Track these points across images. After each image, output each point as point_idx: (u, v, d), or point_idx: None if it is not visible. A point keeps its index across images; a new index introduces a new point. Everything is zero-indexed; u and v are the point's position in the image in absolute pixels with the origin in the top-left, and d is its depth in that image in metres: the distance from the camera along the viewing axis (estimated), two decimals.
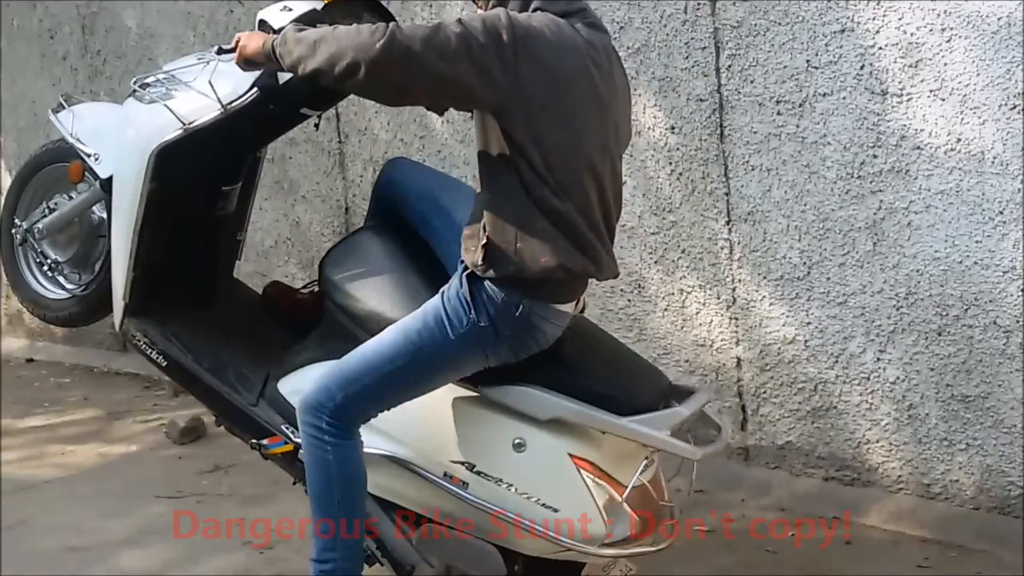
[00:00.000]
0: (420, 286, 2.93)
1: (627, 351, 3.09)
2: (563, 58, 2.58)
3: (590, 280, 2.80)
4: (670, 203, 4.15)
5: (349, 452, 2.80)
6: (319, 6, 2.93)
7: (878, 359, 3.82)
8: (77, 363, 6.35)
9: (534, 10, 2.62)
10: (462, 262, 2.70)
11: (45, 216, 3.48)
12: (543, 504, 2.80)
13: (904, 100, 3.60)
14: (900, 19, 3.57)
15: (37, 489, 4.61)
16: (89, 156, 3.27)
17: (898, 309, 3.75)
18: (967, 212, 3.56)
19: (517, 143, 2.56)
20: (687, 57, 4.01)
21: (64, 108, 3.41)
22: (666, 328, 4.25)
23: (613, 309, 4.34)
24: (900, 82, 3.60)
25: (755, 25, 3.84)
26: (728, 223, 4.03)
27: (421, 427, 2.91)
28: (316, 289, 3.27)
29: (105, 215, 3.35)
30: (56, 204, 3.47)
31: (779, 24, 3.79)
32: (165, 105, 3.05)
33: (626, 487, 2.78)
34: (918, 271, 3.68)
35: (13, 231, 3.55)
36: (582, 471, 2.78)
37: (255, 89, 2.96)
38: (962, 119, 3.51)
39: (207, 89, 2.95)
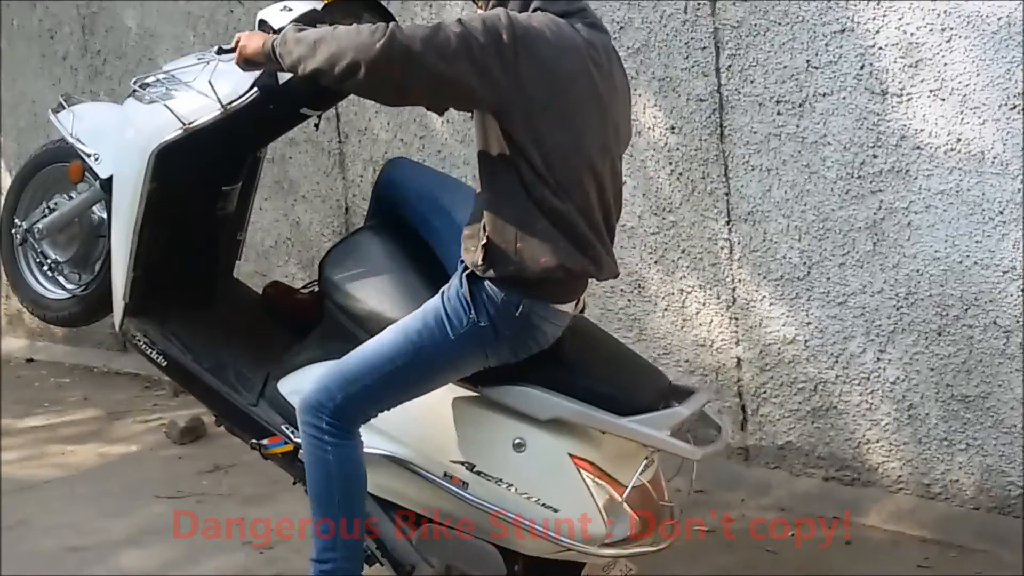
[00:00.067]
0: (420, 286, 2.93)
1: (627, 351, 3.09)
2: (563, 58, 2.58)
3: (590, 280, 2.80)
4: (670, 203, 4.15)
5: (349, 452, 2.80)
6: (319, 6, 2.93)
7: (878, 359, 3.82)
8: (77, 363, 6.36)
9: (534, 10, 2.62)
10: (462, 262, 2.70)
11: (45, 216, 3.48)
12: (543, 504, 2.80)
13: (904, 100, 3.60)
14: (900, 19, 3.57)
15: (37, 489, 4.61)
16: (89, 156, 3.27)
17: (898, 309, 3.75)
18: (967, 212, 3.56)
19: (517, 143, 2.56)
20: (687, 57, 4.01)
21: (64, 108, 3.41)
22: (666, 328, 4.25)
23: (613, 309, 4.34)
24: (900, 82, 3.60)
25: (755, 25, 3.84)
26: (728, 223, 4.03)
27: (421, 427, 2.91)
28: (316, 289, 3.27)
29: (105, 215, 3.35)
30: (56, 204, 3.47)
31: (779, 24, 3.79)
32: (165, 105, 3.05)
33: (626, 487, 2.78)
34: (918, 271, 3.69)
35: (13, 231, 3.55)
36: (582, 471, 2.79)
37: (255, 89, 2.96)
38: (962, 119, 3.51)
39: (207, 89, 2.95)
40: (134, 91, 3.21)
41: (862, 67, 3.66)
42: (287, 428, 3.08)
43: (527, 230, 2.60)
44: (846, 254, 3.81)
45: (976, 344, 3.63)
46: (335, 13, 2.85)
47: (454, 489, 2.86)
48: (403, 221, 3.10)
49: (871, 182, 3.72)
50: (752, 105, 3.90)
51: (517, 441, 2.83)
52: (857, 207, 3.76)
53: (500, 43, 2.50)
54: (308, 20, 2.79)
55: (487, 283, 2.66)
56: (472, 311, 2.67)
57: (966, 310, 3.63)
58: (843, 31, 3.67)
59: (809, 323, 3.93)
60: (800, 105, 3.80)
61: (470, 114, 2.82)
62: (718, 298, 4.11)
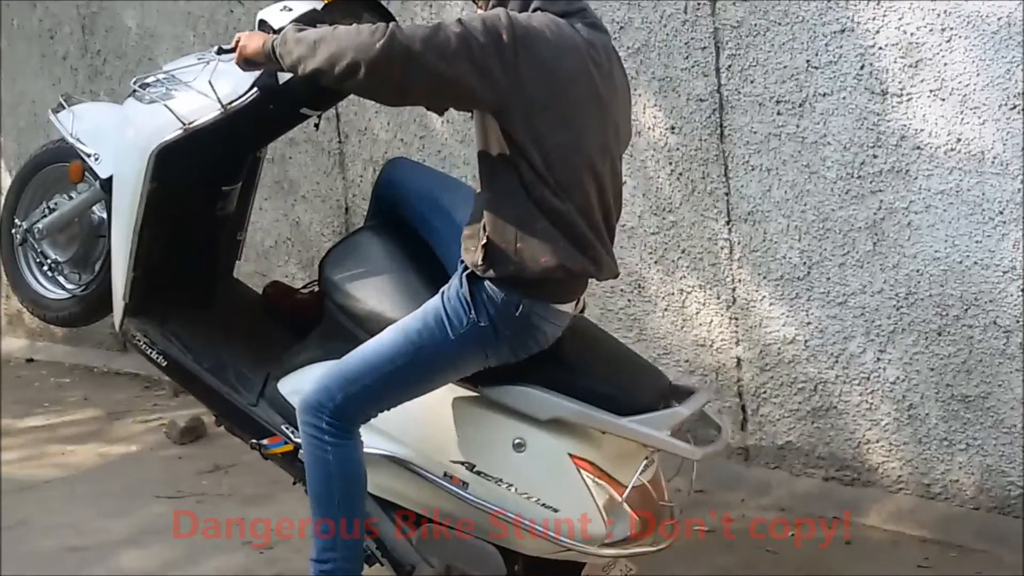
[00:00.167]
0: (420, 286, 2.94)
1: (627, 351, 3.10)
2: (563, 58, 2.59)
3: (590, 280, 2.81)
4: (670, 203, 4.16)
5: (349, 452, 2.81)
6: (319, 6, 2.94)
7: (878, 359, 3.83)
8: (77, 363, 6.37)
9: (534, 10, 2.63)
10: (462, 262, 2.71)
11: (45, 216, 3.49)
12: (543, 504, 2.81)
13: (904, 100, 3.61)
14: (900, 19, 3.58)
15: (37, 489, 4.63)
16: (89, 156, 3.28)
17: (898, 309, 3.76)
18: (967, 212, 3.57)
19: (517, 143, 2.57)
20: (687, 57, 4.02)
21: (64, 108, 3.42)
22: (666, 328, 4.26)
23: (613, 309, 4.35)
24: (900, 82, 3.61)
25: (755, 25, 3.85)
26: (728, 223, 4.05)
27: (421, 427, 2.92)
28: (316, 289, 3.28)
29: (105, 215, 3.36)
30: (56, 204, 3.48)
31: (779, 24, 3.80)
32: (165, 105, 3.06)
33: (626, 487, 2.79)
34: (918, 271, 3.70)
35: (13, 231, 3.56)
36: (582, 471, 2.79)
37: (255, 89, 2.97)
38: (962, 119, 3.52)
39: (207, 89, 2.96)
40: (134, 91, 3.22)
41: (862, 67, 3.67)
42: (287, 428, 3.09)
43: (527, 230, 2.61)
44: (846, 254, 3.82)
45: (976, 344, 3.64)
46: (335, 13, 2.86)
47: (454, 489, 2.87)
48: (403, 221, 3.10)
49: (871, 182, 3.73)
50: (752, 105, 3.91)
51: (517, 441, 2.83)
52: (857, 207, 3.77)
53: (500, 43, 2.51)
54: (308, 20, 2.80)
55: (487, 283, 2.67)
56: (472, 311, 2.68)
57: (966, 310, 3.64)
58: (843, 31, 3.68)
59: (809, 323, 3.94)
60: (800, 105, 3.81)
61: (470, 114, 2.82)
62: (718, 298, 4.12)
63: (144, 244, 3.16)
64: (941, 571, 3.55)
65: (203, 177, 3.27)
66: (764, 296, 4.02)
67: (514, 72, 2.52)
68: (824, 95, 3.75)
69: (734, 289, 4.08)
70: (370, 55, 2.48)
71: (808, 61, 3.77)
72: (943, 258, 3.64)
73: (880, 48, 3.62)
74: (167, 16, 5.51)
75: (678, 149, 4.11)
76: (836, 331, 3.90)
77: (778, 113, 3.86)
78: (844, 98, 3.72)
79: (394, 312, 2.88)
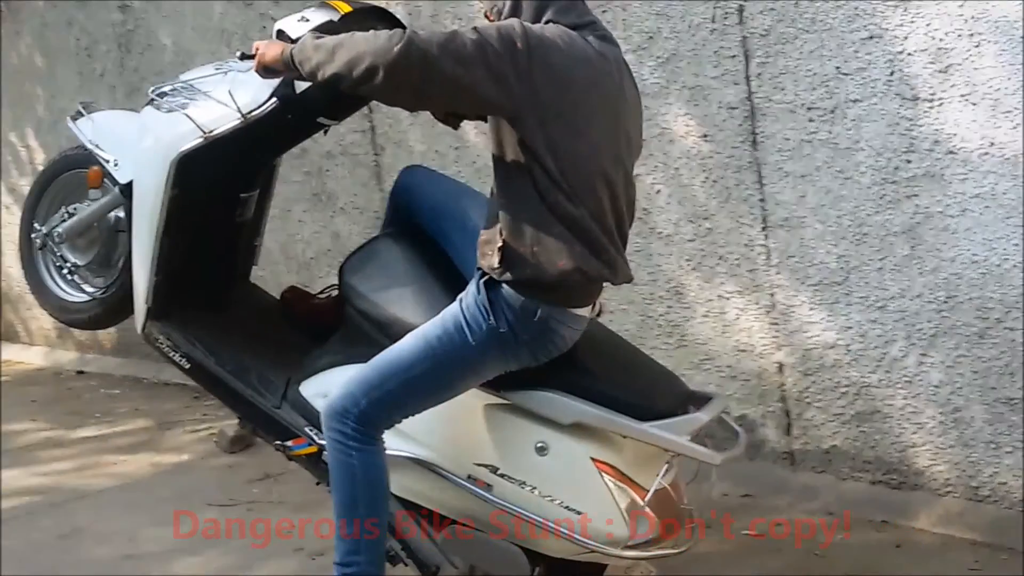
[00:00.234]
0: (439, 292, 3.02)
1: (645, 357, 3.18)
2: (575, 68, 2.65)
3: (621, 287, 2.89)
4: (706, 210, 4.19)
5: (373, 457, 2.89)
6: (335, 17, 3.01)
7: (920, 363, 3.85)
8: (127, 374, 6.47)
9: (546, 22, 2.70)
10: (479, 268, 2.78)
11: (64, 221, 3.58)
12: (566, 506, 2.89)
13: (935, 105, 3.62)
14: (928, 25, 3.59)
15: (91, 498, 4.76)
16: (108, 162, 3.37)
17: (939, 313, 3.77)
18: (1003, 215, 3.58)
19: (531, 149, 2.64)
20: (717, 66, 4.05)
21: (83, 115, 3.52)
22: (707, 334, 4.30)
23: (653, 316, 4.39)
24: (931, 87, 3.62)
25: (783, 33, 3.87)
26: (764, 229, 4.07)
27: (445, 430, 3.01)
28: (333, 294, 3.36)
29: (123, 216, 3.45)
30: (75, 209, 3.57)
31: (807, 32, 3.82)
32: (185, 114, 3.15)
33: (647, 490, 2.86)
34: (957, 275, 3.71)
35: (33, 236, 3.66)
36: (604, 475, 2.87)
37: (274, 99, 3.06)
38: (994, 123, 3.53)
39: (227, 98, 3.07)
40: (152, 100, 3.32)
41: (892, 73, 3.68)
42: (310, 430, 3.18)
43: (543, 234, 2.68)
44: (884, 259, 3.84)
45: (1019, 347, 3.65)
46: (351, 24, 2.91)
47: (478, 491, 2.96)
48: (419, 228, 3.18)
49: (905, 187, 3.74)
50: (784, 112, 3.93)
51: (540, 444, 2.92)
52: (893, 212, 3.78)
53: (515, 51, 2.58)
54: (325, 31, 2.86)
55: (505, 289, 2.74)
56: (491, 317, 2.74)
57: (1007, 312, 3.65)
58: (871, 38, 3.70)
59: (850, 327, 3.96)
60: (832, 111, 3.82)
61: (483, 121, 2.88)
62: (757, 304, 4.15)
63: (166, 249, 3.26)
64: (992, 573, 3.57)
65: (222, 184, 3.38)
66: (803, 301, 4.04)
67: (528, 79, 2.59)
68: (855, 101, 3.77)
69: (773, 295, 4.11)
70: (388, 59, 2.54)
71: (838, 68, 3.78)
72: (981, 261, 3.65)
73: (909, 54, 3.63)
74: (202, 33, 5.59)
75: (711, 157, 4.13)
76: (877, 335, 3.91)
77: (810, 120, 3.88)
78: (875, 104, 3.73)
79: (414, 318, 2.96)
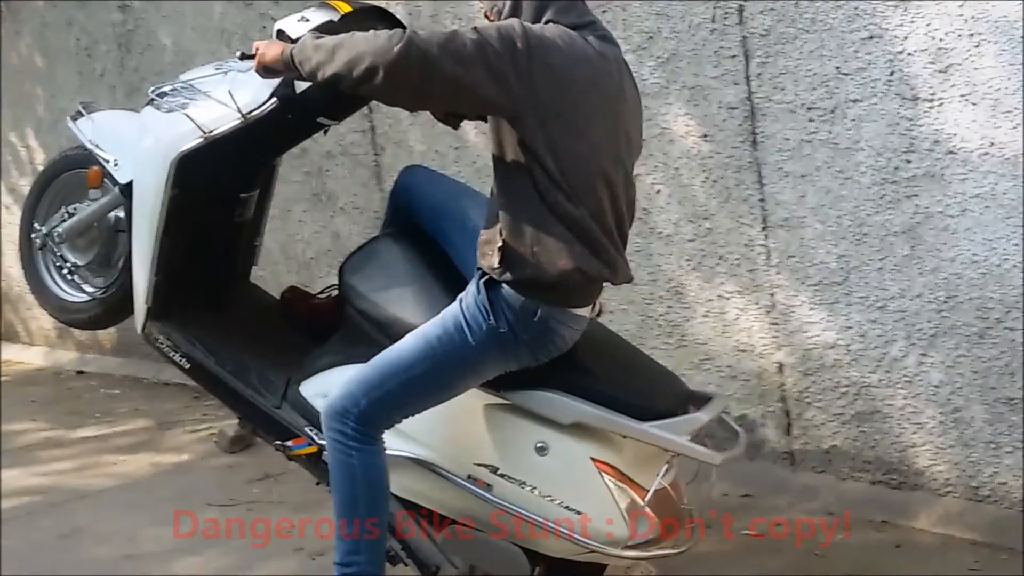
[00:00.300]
0: (439, 292, 3.03)
1: (645, 357, 3.19)
2: (575, 68, 2.67)
3: (621, 287, 2.90)
4: (706, 210, 4.20)
5: (373, 457, 2.90)
6: (335, 17, 3.02)
7: (920, 363, 3.86)
8: (127, 374, 6.48)
9: (546, 22, 2.72)
10: (479, 268, 2.79)
11: (64, 221, 3.60)
12: (566, 506, 2.90)
13: (935, 105, 3.64)
14: (928, 25, 3.60)
15: (92, 498, 4.78)
16: (108, 162, 3.38)
17: (939, 313, 3.78)
18: (1003, 215, 3.59)
19: (531, 149, 2.65)
20: (716, 66, 4.06)
21: (83, 115, 3.53)
22: (707, 334, 4.31)
23: (653, 316, 4.40)
24: (931, 87, 3.63)
25: (783, 33, 3.89)
26: (764, 229, 4.08)
27: (445, 430, 3.02)
28: (333, 294, 3.38)
29: (123, 216, 3.47)
30: (75, 209, 3.58)
31: (807, 32, 3.83)
32: (185, 114, 3.17)
33: (647, 490, 2.88)
34: (957, 275, 3.72)
35: (33, 236, 3.67)
36: (604, 474, 2.89)
37: (274, 99, 3.07)
38: (994, 123, 3.54)
39: (227, 98, 3.08)
40: (152, 100, 3.33)
41: (892, 73, 3.69)
42: (310, 430, 3.19)
43: (543, 234, 2.69)
44: (884, 259, 3.85)
45: (1019, 347, 3.66)
46: (351, 24, 2.92)
47: (478, 491, 2.97)
48: (419, 228, 3.20)
49: (905, 187, 3.75)
50: (784, 112, 3.95)
51: (540, 444, 2.93)
52: (893, 212, 3.79)
53: (515, 51, 2.59)
54: (324, 31, 2.87)
55: (505, 289, 2.75)
56: (491, 317, 2.76)
57: (1007, 312, 3.66)
58: (871, 38, 3.71)
59: (850, 327, 3.97)
60: (832, 111, 3.84)
61: (483, 121, 2.89)
62: (757, 304, 4.16)
63: (166, 249, 3.28)
64: (992, 574, 3.58)
65: (222, 184, 3.39)
66: (803, 301, 4.06)
67: (528, 79, 2.60)
68: (855, 101, 3.78)
69: (773, 295, 4.12)
70: (388, 59, 2.55)
71: (838, 68, 3.80)
72: (981, 261, 3.66)
73: (909, 54, 3.64)
74: (202, 33, 5.60)
75: (711, 157, 4.14)
76: (877, 335, 3.92)
77: (810, 120, 3.89)
78: (875, 104, 3.74)
79: (414, 318, 2.97)
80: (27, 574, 4.09)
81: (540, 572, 3.05)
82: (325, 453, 2.98)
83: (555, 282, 2.72)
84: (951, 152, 3.64)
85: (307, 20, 2.98)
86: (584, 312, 2.85)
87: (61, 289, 3.69)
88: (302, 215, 5.51)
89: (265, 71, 2.82)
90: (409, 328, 2.91)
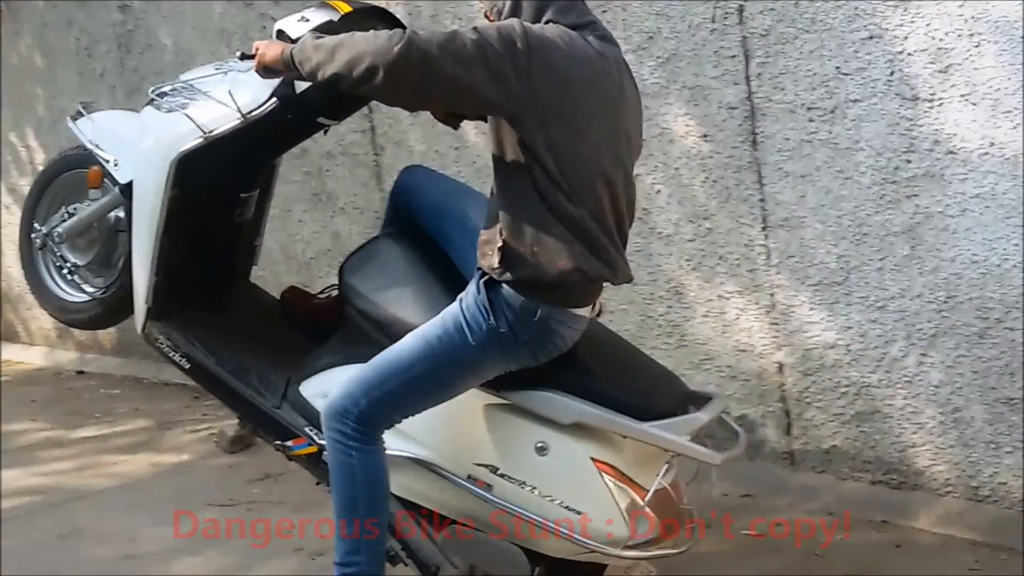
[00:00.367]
0: (439, 292, 3.04)
1: (645, 357, 3.20)
2: (575, 68, 2.68)
3: (619, 286, 2.90)
4: (706, 210, 4.21)
5: (373, 457, 2.91)
6: (335, 17, 3.03)
7: (920, 363, 3.87)
8: (127, 374, 6.49)
9: (546, 22, 2.73)
10: (479, 268, 2.80)
11: (64, 221, 3.61)
12: (566, 506, 2.91)
13: (935, 105, 3.64)
14: (928, 25, 3.61)
15: (92, 498, 4.79)
16: (108, 162, 3.39)
17: (939, 313, 3.79)
18: (1003, 215, 3.60)
19: (531, 149, 2.66)
20: (717, 66, 4.07)
21: (83, 115, 3.55)
22: (707, 334, 4.32)
23: (653, 316, 4.41)
24: (931, 87, 3.64)
25: (783, 33, 3.90)
26: (764, 229, 4.09)
27: (446, 430, 3.03)
28: (333, 294, 3.39)
29: (123, 216, 3.48)
30: (75, 209, 3.59)
31: (807, 32, 3.84)
32: (185, 114, 3.18)
33: (647, 490, 2.89)
34: (957, 275, 3.72)
35: (33, 236, 3.68)
36: (604, 474, 2.90)
37: (274, 99, 3.08)
38: (994, 123, 3.55)
39: (227, 99, 3.09)
40: (151, 100, 3.35)
41: (892, 73, 3.70)
42: (310, 430, 3.20)
43: (543, 234, 2.70)
44: (884, 259, 3.86)
45: (1019, 347, 3.67)
46: (351, 25, 2.93)
47: (478, 491, 2.98)
48: (419, 228, 3.21)
49: (905, 187, 3.76)
50: (784, 112, 3.95)
51: (540, 444, 2.94)
52: (893, 212, 3.80)
53: (515, 50, 2.60)
54: (325, 31, 2.88)
55: (505, 289, 2.76)
56: (491, 317, 2.77)
57: (1007, 312, 3.67)
58: (871, 38, 3.72)
59: (850, 327, 3.98)
60: (832, 111, 3.85)
61: (483, 121, 2.90)
62: (757, 304, 4.17)
63: (166, 249, 3.29)
64: (991, 574, 3.59)
65: (222, 184, 3.41)
66: (803, 301, 4.06)
67: (528, 79, 2.61)
68: (855, 101, 3.79)
69: (773, 295, 4.13)
70: (388, 59, 2.56)
71: (838, 68, 3.81)
72: (981, 261, 3.67)
73: (909, 54, 3.65)
74: (202, 33, 5.61)
75: (711, 157, 4.15)
76: (877, 335, 3.93)
77: (810, 120, 3.90)
78: (875, 104, 3.75)
79: (414, 318, 2.98)
80: (27, 574, 4.10)
81: (540, 572, 3.05)
82: (325, 453, 2.99)
83: (555, 282, 2.73)
84: (951, 152, 3.65)
85: (307, 20, 2.99)
86: (584, 312, 2.86)
87: (61, 289, 3.70)
88: (302, 215, 5.52)
89: (265, 71, 2.83)
90: (409, 328, 2.92)
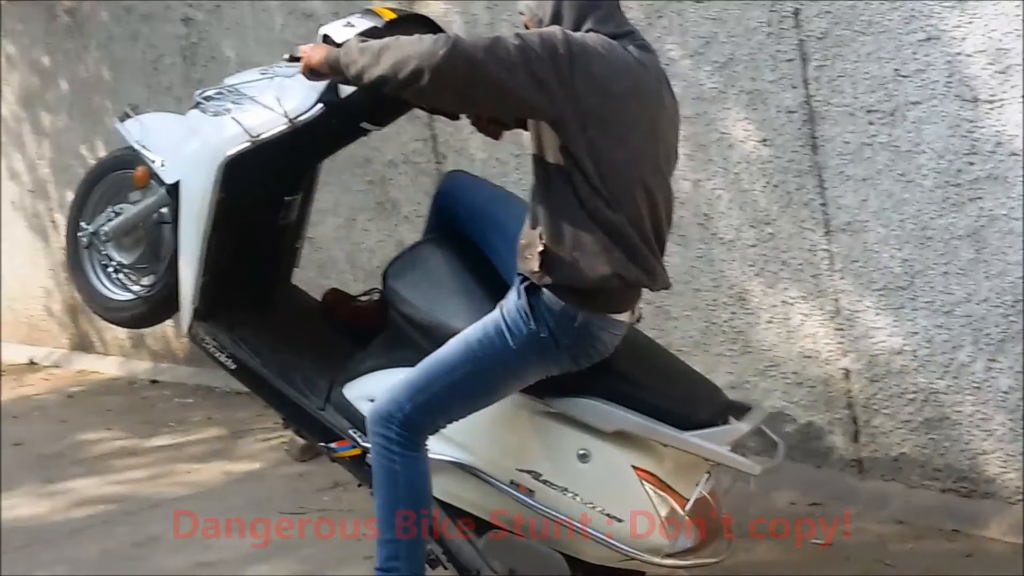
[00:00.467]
0: (481, 297, 3.11)
1: (685, 366, 3.25)
2: (616, 76, 2.75)
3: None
4: (767, 215, 4.22)
5: (416, 463, 2.99)
6: (380, 24, 3.13)
7: (989, 368, 3.85)
8: (200, 384, 6.60)
9: (586, 31, 2.79)
10: (519, 274, 2.87)
11: (111, 220, 3.71)
12: (607, 513, 2.98)
13: (996, 106, 3.63)
14: (986, 25, 3.60)
15: (166, 506, 4.90)
16: (154, 162, 3.49)
17: (1006, 317, 3.77)
18: None
19: (573, 155, 2.73)
20: (774, 69, 4.08)
21: (130, 117, 3.66)
22: (771, 340, 4.33)
23: (717, 322, 4.43)
24: (991, 88, 3.63)
25: (840, 36, 3.90)
26: (827, 234, 4.09)
27: (489, 436, 3.11)
28: (374, 297, 3.47)
29: (168, 215, 3.57)
30: (121, 209, 3.69)
31: (864, 34, 3.85)
32: (232, 117, 3.28)
33: (687, 499, 2.95)
34: None
35: (79, 235, 3.78)
36: (644, 483, 2.97)
37: (320, 104, 3.17)
38: None
39: (274, 103, 3.20)
40: (198, 103, 3.45)
41: (951, 75, 3.70)
42: (354, 432, 3.27)
43: (582, 240, 2.77)
44: (948, 263, 3.85)
45: None
46: (395, 31, 2.99)
47: (521, 496, 3.06)
48: (461, 234, 3.28)
49: (969, 189, 3.75)
50: (843, 115, 3.96)
51: (582, 452, 3.01)
52: (957, 215, 3.79)
53: (557, 56, 2.67)
54: (369, 37, 2.97)
55: (545, 294, 2.83)
56: (532, 321, 2.84)
57: None
58: (929, 39, 3.71)
59: (916, 333, 3.97)
60: (891, 114, 3.84)
61: (524, 128, 2.96)
62: (822, 309, 4.17)
63: (213, 250, 3.39)
64: None
65: (268, 187, 3.50)
66: (868, 306, 4.06)
67: (570, 85, 2.68)
68: (915, 103, 3.79)
69: (837, 300, 4.13)
70: (434, 62, 2.64)
71: (896, 70, 3.80)
72: None
73: (968, 55, 3.64)
74: (264, 44, 5.72)
75: (771, 161, 4.16)
76: (944, 340, 3.92)
77: (870, 123, 3.90)
78: (935, 106, 3.75)
79: (457, 322, 3.05)
80: None
81: None
82: (369, 456, 3.07)
83: (594, 287, 2.80)
84: (1014, 154, 3.63)
85: (352, 26, 3.09)
86: (624, 318, 2.92)
87: (106, 288, 3.79)
88: (367, 224, 5.60)
89: (311, 74, 2.93)
90: (452, 333, 3.00)
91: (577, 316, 2.82)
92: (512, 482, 3.06)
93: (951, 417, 3.98)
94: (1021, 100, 3.58)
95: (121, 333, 7.11)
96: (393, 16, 3.19)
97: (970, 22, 3.62)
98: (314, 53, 2.90)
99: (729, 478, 3.17)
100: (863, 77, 3.88)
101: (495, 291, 3.04)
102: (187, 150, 3.43)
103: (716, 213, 4.33)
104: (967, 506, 3.99)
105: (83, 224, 3.78)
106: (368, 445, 3.07)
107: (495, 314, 2.91)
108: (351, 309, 3.61)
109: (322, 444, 3.38)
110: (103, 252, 3.74)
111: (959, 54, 3.66)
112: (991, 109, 3.64)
